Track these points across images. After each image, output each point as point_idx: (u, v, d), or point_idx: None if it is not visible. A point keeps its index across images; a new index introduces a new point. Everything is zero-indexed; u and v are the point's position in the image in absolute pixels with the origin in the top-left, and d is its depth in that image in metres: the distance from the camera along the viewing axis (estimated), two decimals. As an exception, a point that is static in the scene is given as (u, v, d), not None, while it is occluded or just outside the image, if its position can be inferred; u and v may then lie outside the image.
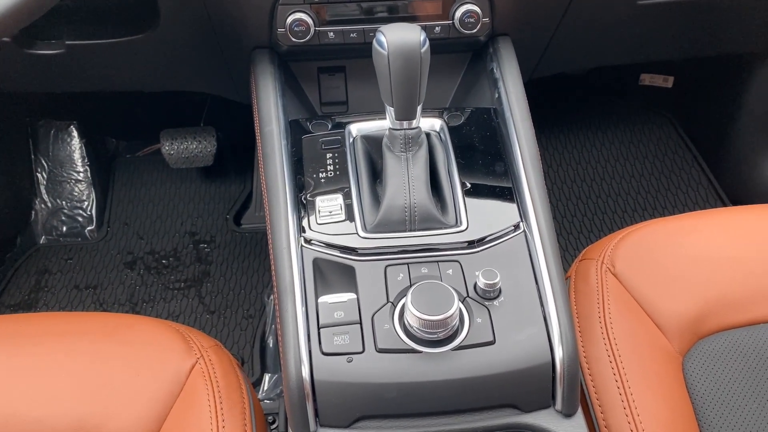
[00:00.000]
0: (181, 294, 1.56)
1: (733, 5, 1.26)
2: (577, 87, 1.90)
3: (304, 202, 0.86)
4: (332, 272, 0.79)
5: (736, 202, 1.69)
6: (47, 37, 1.15)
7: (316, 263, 0.79)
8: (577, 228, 1.67)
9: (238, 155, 1.78)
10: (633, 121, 1.87)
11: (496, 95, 0.99)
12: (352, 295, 0.76)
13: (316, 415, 0.72)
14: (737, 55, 1.57)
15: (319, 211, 0.84)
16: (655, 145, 1.83)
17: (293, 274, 0.77)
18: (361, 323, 0.74)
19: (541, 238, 0.81)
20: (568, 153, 1.82)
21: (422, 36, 0.77)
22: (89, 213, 1.71)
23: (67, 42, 1.14)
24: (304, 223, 0.83)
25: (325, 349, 0.72)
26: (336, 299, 0.76)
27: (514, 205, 0.85)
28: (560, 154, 1.81)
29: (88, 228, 1.70)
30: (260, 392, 1.36)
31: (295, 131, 0.95)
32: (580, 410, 0.74)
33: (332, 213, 0.84)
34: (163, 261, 1.63)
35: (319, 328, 0.74)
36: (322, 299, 0.76)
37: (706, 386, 0.79)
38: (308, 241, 0.81)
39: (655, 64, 1.83)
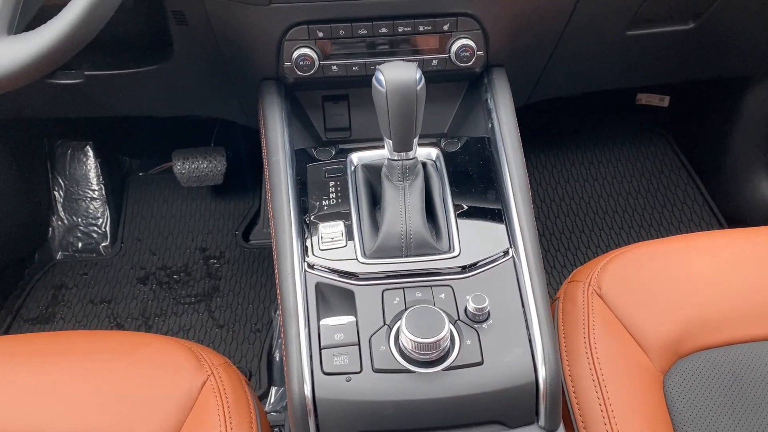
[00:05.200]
0: (192, 308, 1.62)
1: (720, 33, 1.31)
2: (574, 106, 1.94)
3: (308, 222, 0.92)
4: (333, 296, 0.84)
5: (730, 220, 1.72)
6: (67, 67, 1.22)
7: (319, 287, 0.85)
8: (575, 244, 1.72)
9: (247, 174, 1.84)
10: (629, 140, 1.92)
11: (490, 125, 1.04)
12: (352, 318, 0.81)
13: (318, 430, 0.77)
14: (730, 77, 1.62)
15: (321, 237, 0.90)
16: (651, 163, 1.87)
17: (297, 299, 0.83)
18: (359, 345, 0.79)
19: (528, 264, 0.86)
20: (566, 171, 1.87)
21: (418, 74, 0.82)
22: (104, 230, 1.78)
23: (85, 72, 1.21)
24: (308, 244, 0.89)
25: (325, 369, 0.78)
26: (336, 322, 0.81)
27: (504, 232, 0.90)
28: (558, 172, 1.86)
29: (103, 244, 1.77)
30: (267, 405, 1.41)
31: (301, 159, 1.01)
32: (562, 426, 0.80)
33: (334, 239, 0.89)
34: (175, 276, 1.69)
35: (320, 349, 0.79)
36: (323, 322, 0.81)
37: (684, 404, 0.84)
38: (311, 266, 0.87)
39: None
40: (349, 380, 0.77)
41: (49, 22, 0.79)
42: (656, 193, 1.81)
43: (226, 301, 1.63)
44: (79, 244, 1.76)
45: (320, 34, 1.00)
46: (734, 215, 1.72)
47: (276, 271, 0.88)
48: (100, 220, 1.79)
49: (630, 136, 1.92)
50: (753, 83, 1.62)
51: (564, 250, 1.70)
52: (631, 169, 1.86)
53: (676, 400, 0.84)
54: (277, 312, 1.53)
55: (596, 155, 1.90)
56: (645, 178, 1.84)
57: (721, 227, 1.72)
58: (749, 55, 1.43)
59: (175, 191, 1.85)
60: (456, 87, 1.14)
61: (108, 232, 1.78)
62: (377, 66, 0.85)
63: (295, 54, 1.01)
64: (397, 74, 0.82)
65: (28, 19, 0.85)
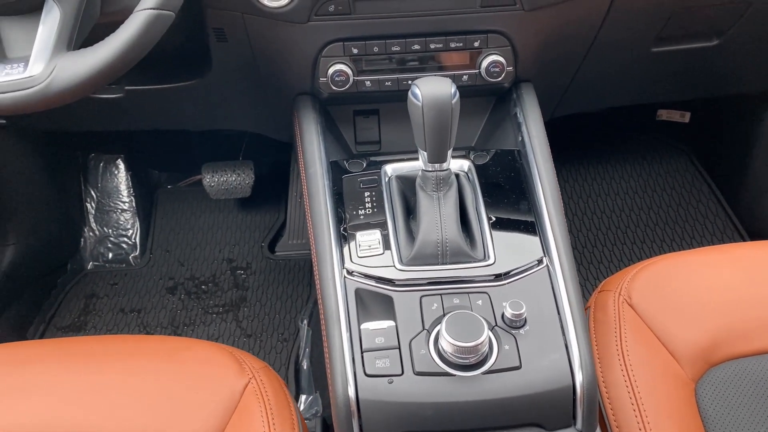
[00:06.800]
0: (220, 318, 1.65)
1: (743, 49, 1.33)
2: (597, 122, 1.97)
3: (345, 234, 0.95)
4: (372, 301, 0.87)
5: (752, 233, 1.73)
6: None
7: (358, 293, 0.88)
8: (598, 258, 1.73)
9: (274, 187, 1.88)
10: (651, 155, 1.94)
11: (520, 138, 1.07)
12: (391, 323, 0.84)
13: (361, 430, 0.80)
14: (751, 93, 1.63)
15: (359, 245, 0.93)
16: (672, 178, 1.89)
17: (338, 303, 0.86)
18: (399, 348, 0.81)
19: (562, 273, 0.88)
20: (588, 186, 1.89)
21: (453, 89, 0.85)
22: (134, 240, 1.82)
23: (126, 87, 1.25)
24: (346, 254, 0.92)
25: (368, 371, 0.80)
26: (377, 326, 0.84)
27: (538, 241, 0.93)
28: (581, 187, 1.88)
29: (133, 255, 1.81)
30: (297, 412, 1.43)
31: (335, 170, 1.05)
32: (599, 430, 0.81)
33: (371, 247, 0.92)
34: (203, 286, 1.72)
35: (362, 353, 0.82)
36: (364, 326, 0.84)
37: (717, 412, 0.85)
38: (350, 273, 0.89)
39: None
40: (391, 382, 0.79)
41: (107, 38, 0.83)
42: (678, 208, 1.82)
43: (254, 311, 1.66)
44: (110, 255, 1.81)
45: (355, 51, 1.03)
46: (756, 230, 1.72)
47: (316, 277, 0.91)
48: (130, 231, 1.83)
49: (651, 151, 1.94)
50: (774, 98, 1.64)
51: (587, 264, 1.72)
52: (652, 184, 1.88)
53: (708, 407, 0.86)
54: (304, 321, 1.56)
55: (617, 170, 1.92)
56: (666, 193, 1.86)
57: (744, 241, 1.73)
58: (772, 71, 1.45)
59: (203, 203, 1.89)
60: (483, 102, 1.17)
61: (138, 243, 1.82)
62: (413, 81, 0.88)
63: (331, 70, 1.04)
64: (432, 89, 0.85)
65: (84, 36, 0.90)
